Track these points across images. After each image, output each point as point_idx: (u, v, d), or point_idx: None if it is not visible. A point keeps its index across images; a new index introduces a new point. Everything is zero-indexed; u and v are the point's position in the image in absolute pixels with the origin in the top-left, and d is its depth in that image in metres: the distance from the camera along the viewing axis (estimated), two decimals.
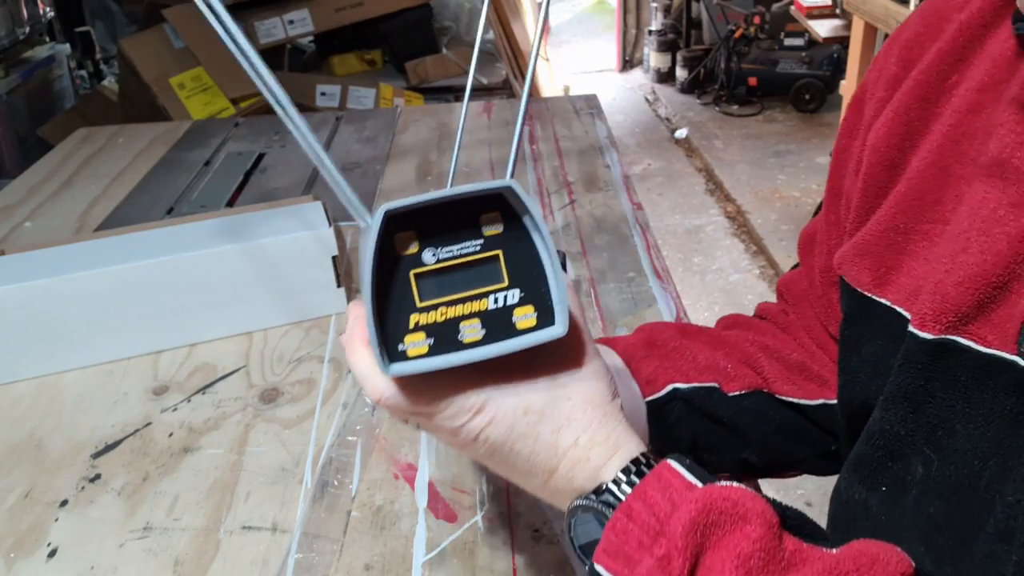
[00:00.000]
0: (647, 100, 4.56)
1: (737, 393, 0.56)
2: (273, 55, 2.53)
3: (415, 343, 0.39)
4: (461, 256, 0.39)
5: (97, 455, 0.69)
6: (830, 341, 0.57)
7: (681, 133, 3.99)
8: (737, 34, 4.03)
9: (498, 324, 0.40)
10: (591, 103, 1.50)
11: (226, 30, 0.40)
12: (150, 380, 0.78)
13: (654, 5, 4.64)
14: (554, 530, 0.59)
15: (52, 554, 0.59)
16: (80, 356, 0.80)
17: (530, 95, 0.43)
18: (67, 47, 2.98)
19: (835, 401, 0.52)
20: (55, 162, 1.34)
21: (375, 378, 0.40)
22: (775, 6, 3.98)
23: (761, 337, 0.59)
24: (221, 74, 2.15)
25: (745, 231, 3.08)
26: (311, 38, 2.68)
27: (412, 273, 0.39)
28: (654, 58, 4.64)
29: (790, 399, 0.56)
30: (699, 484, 0.37)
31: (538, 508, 0.61)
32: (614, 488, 0.39)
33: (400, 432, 0.70)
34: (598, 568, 0.37)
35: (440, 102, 2.43)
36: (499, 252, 0.40)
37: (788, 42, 3.99)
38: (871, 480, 0.43)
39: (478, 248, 0.40)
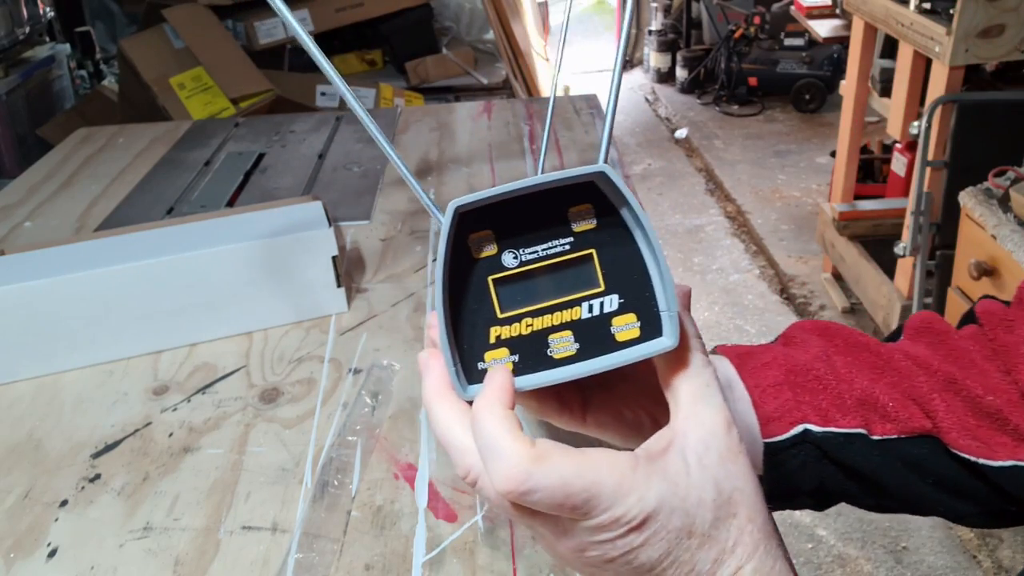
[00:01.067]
0: (647, 100, 4.56)
1: (891, 437, 0.43)
2: (273, 55, 2.53)
3: (497, 360, 0.34)
4: (548, 257, 0.34)
5: (97, 455, 0.69)
6: None
7: (681, 133, 3.99)
8: (737, 34, 4.03)
9: (594, 336, 0.34)
10: (591, 103, 1.49)
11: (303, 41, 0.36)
12: (150, 380, 0.78)
13: (654, 5, 4.64)
14: None
15: (52, 554, 0.59)
16: (80, 356, 0.80)
17: (616, 80, 0.36)
18: (67, 47, 2.98)
19: None
20: (55, 162, 1.34)
21: (517, 459, 0.29)
22: (775, 6, 3.98)
23: (951, 363, 0.45)
24: (221, 74, 2.15)
25: (745, 231, 3.08)
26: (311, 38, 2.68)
27: (490, 279, 0.34)
28: (654, 58, 4.64)
29: (967, 456, 0.43)
30: None
31: None
32: None
33: (400, 432, 0.70)
34: None
35: (440, 102, 2.43)
36: (592, 251, 0.34)
37: (788, 42, 3.99)
38: None
39: (567, 247, 0.34)
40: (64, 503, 0.64)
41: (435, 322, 0.34)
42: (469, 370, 0.34)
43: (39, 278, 0.76)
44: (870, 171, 2.67)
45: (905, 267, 2.07)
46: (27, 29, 2.74)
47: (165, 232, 0.85)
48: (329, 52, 2.67)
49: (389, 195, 1.16)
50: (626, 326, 0.34)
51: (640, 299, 0.34)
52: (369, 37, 2.67)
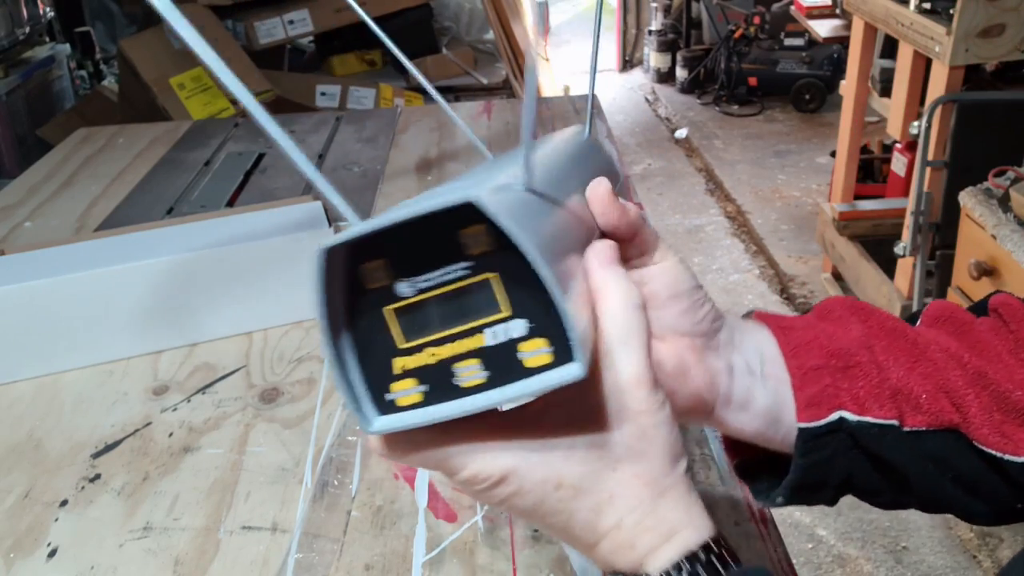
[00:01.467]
0: (647, 100, 4.56)
1: (920, 430, 0.43)
2: (273, 55, 2.53)
3: (405, 391, 0.33)
4: (445, 283, 0.32)
5: (97, 455, 0.69)
6: None
7: (681, 133, 3.99)
8: (737, 34, 4.03)
9: (503, 363, 0.32)
10: (591, 103, 1.49)
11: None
12: (150, 380, 0.78)
13: (654, 5, 4.64)
14: None
15: (52, 554, 0.59)
16: (80, 356, 0.80)
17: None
18: (67, 47, 2.98)
19: None
20: (55, 162, 1.34)
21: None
22: (775, 6, 3.98)
23: (979, 355, 0.45)
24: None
25: (745, 231, 3.08)
26: (311, 38, 2.69)
27: (386, 309, 0.32)
28: (654, 58, 4.64)
29: (991, 451, 0.42)
30: None
31: None
32: None
33: None
34: None
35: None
36: (492, 275, 0.31)
37: (788, 42, 3.99)
38: None
39: (466, 271, 0.32)
40: (64, 503, 0.64)
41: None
42: (378, 401, 0.33)
43: (39, 278, 0.76)
44: (870, 171, 2.67)
45: (905, 267, 2.07)
46: (27, 29, 2.74)
47: (165, 232, 0.85)
48: (328, 52, 2.67)
49: (389, 195, 1.16)
50: (536, 351, 0.32)
51: (550, 322, 0.31)
52: (369, 37, 2.68)
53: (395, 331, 0.32)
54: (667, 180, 3.56)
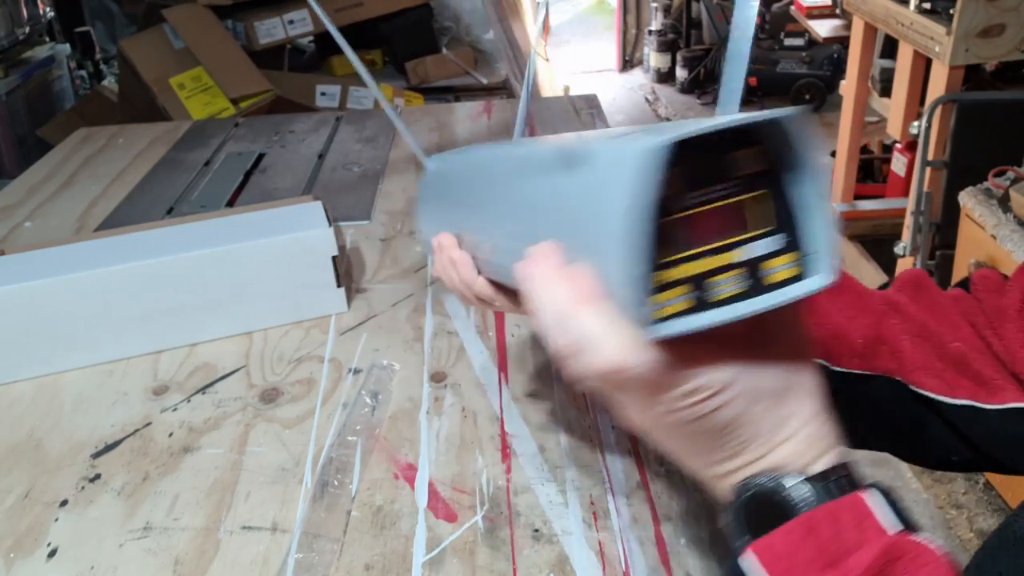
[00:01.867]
0: (647, 100, 4.56)
1: (856, 372, 0.50)
2: (273, 55, 2.53)
3: (671, 300, 0.34)
4: (715, 200, 0.34)
5: (97, 455, 0.69)
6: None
7: None
8: None
9: (758, 275, 0.35)
10: (591, 103, 1.50)
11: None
12: (150, 380, 0.78)
13: (654, 5, 4.64)
14: (553, 530, 0.59)
15: (52, 554, 0.59)
16: (80, 356, 0.80)
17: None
18: (67, 47, 2.98)
19: (989, 406, 0.47)
20: (55, 162, 1.34)
21: (612, 344, 0.34)
22: (775, 6, 3.98)
23: (926, 311, 0.51)
24: (221, 74, 2.15)
25: None
26: (311, 38, 2.69)
27: (662, 220, 0.33)
28: (654, 58, 4.64)
29: (927, 393, 0.49)
30: (893, 527, 0.35)
31: (538, 508, 0.61)
32: (816, 483, 0.36)
33: (400, 432, 0.70)
34: (749, 559, 0.36)
35: (440, 102, 2.43)
36: (759, 193, 0.34)
37: (788, 42, 3.99)
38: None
39: (736, 189, 0.34)
40: (64, 503, 0.64)
41: (447, 242, 0.38)
42: (645, 310, 0.34)
43: (39, 278, 0.76)
44: (870, 171, 2.67)
45: (905, 267, 2.07)
46: (27, 29, 2.74)
47: (165, 232, 0.85)
48: (329, 52, 2.67)
49: (389, 195, 1.16)
50: (786, 265, 0.35)
51: (801, 239, 0.35)
52: (369, 37, 2.67)
53: (666, 243, 0.34)
54: None
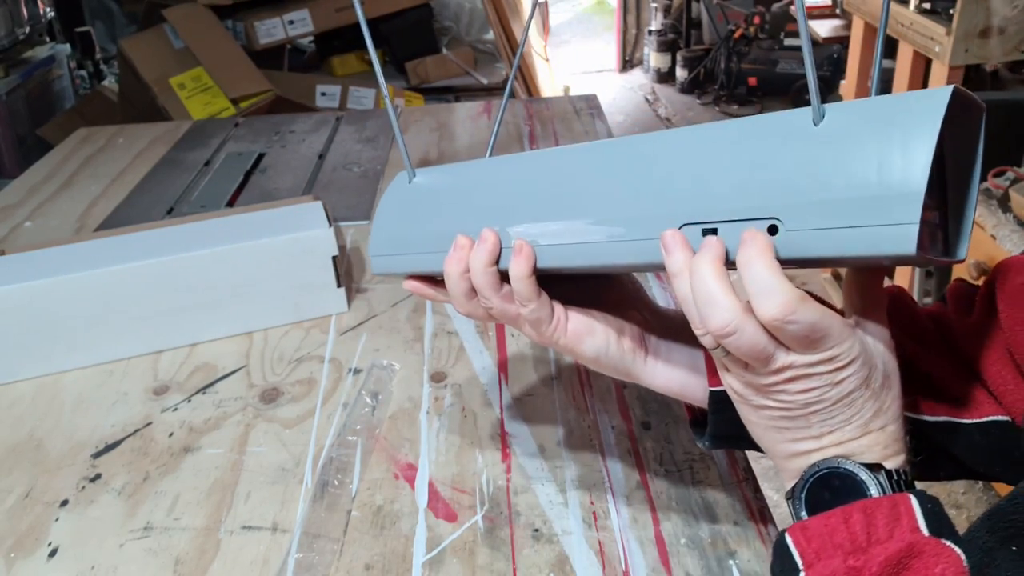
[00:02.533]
0: (647, 100, 4.56)
1: None
2: (273, 55, 2.53)
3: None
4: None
5: (97, 455, 0.69)
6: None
7: None
8: (737, 34, 4.03)
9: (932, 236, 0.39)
10: (591, 103, 1.50)
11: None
12: (150, 380, 0.78)
13: (654, 5, 4.64)
14: (553, 529, 0.59)
15: (52, 554, 0.59)
16: (80, 356, 0.80)
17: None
18: (67, 47, 2.98)
19: (968, 420, 0.50)
20: (55, 162, 1.34)
21: (789, 296, 0.37)
22: (775, 6, 3.98)
23: (903, 331, 0.52)
24: (221, 74, 2.15)
25: None
26: (311, 38, 2.69)
27: None
28: (654, 58, 4.64)
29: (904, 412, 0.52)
30: (925, 531, 0.37)
31: (538, 508, 0.61)
32: (884, 476, 0.40)
33: (400, 432, 0.70)
34: (790, 539, 0.39)
35: (440, 102, 2.43)
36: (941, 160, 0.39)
37: (788, 42, 3.99)
38: (1003, 535, 0.40)
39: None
40: (65, 503, 0.64)
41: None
42: None
43: (39, 278, 0.76)
44: None
45: (904, 267, 2.07)
46: (27, 29, 2.74)
47: (165, 232, 0.85)
48: (329, 52, 2.67)
49: None
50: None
51: (953, 211, 0.40)
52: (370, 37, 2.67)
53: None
54: None
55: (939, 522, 0.37)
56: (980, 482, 1.81)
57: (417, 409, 0.72)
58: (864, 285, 0.42)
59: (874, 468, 0.40)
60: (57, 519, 0.63)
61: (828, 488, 0.41)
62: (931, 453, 0.50)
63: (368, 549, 0.58)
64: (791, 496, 0.42)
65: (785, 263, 0.38)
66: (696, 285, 0.39)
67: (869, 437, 0.41)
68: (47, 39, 2.96)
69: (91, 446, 0.70)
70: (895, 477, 0.40)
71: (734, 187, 0.39)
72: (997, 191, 1.59)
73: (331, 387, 0.76)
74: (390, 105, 0.53)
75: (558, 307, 0.49)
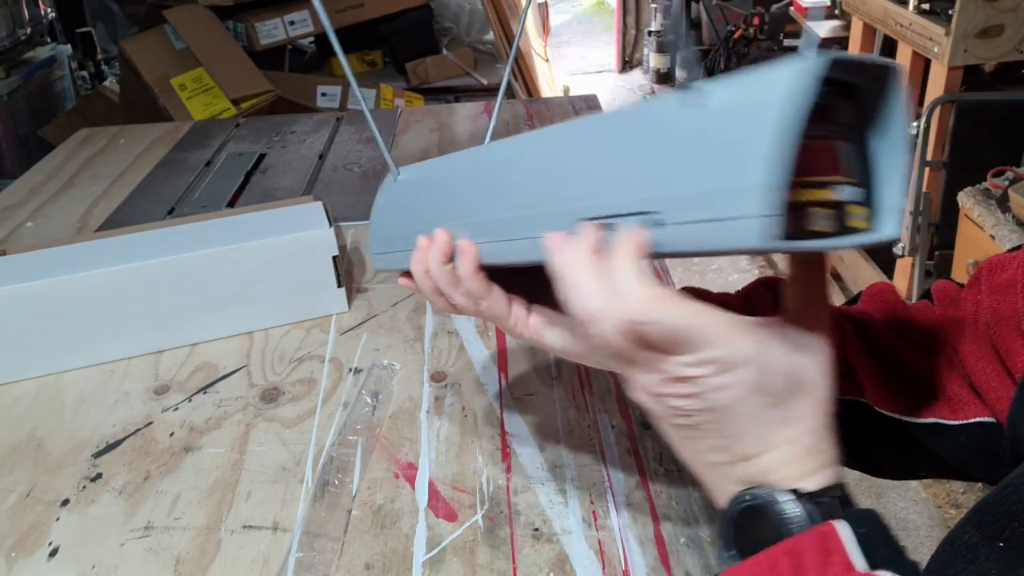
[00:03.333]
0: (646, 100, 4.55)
1: None
2: (273, 56, 2.53)
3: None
4: (820, 137, 0.36)
5: (98, 454, 0.69)
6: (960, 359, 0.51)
7: None
8: (736, 35, 4.03)
9: (840, 218, 0.36)
10: (591, 103, 1.50)
11: None
12: (151, 380, 0.79)
13: (653, 6, 4.64)
14: (553, 529, 0.59)
15: (53, 553, 0.60)
16: (81, 356, 0.80)
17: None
18: (68, 48, 2.98)
19: (954, 422, 0.48)
20: (56, 163, 1.34)
21: (643, 295, 0.36)
22: (774, 7, 3.98)
23: (893, 330, 0.52)
24: (222, 75, 2.15)
25: None
26: (312, 39, 2.69)
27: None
28: (653, 59, 4.64)
29: (891, 415, 0.50)
30: (862, 564, 0.34)
31: (538, 507, 0.61)
32: (805, 502, 0.37)
33: (400, 431, 0.70)
34: None
35: (440, 103, 2.44)
36: (850, 145, 0.37)
37: (787, 43, 3.99)
38: (990, 530, 0.37)
39: (835, 132, 0.36)
40: (65, 502, 0.64)
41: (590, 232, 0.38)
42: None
43: (41, 278, 0.77)
44: None
45: (904, 267, 2.07)
46: (28, 30, 2.74)
47: (166, 232, 0.85)
48: (329, 53, 2.68)
49: None
50: (860, 216, 0.37)
51: (877, 191, 0.37)
52: (369, 38, 2.68)
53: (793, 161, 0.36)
54: None
55: (876, 546, 0.35)
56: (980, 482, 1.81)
57: (417, 409, 0.72)
58: (799, 282, 0.40)
59: (797, 494, 0.37)
60: (58, 518, 0.63)
61: (754, 524, 0.38)
62: (912, 453, 0.50)
63: (368, 548, 0.59)
64: (718, 530, 0.40)
65: (675, 255, 0.37)
66: (563, 272, 0.39)
67: (780, 452, 0.38)
68: (48, 40, 2.96)
69: (92, 446, 0.70)
70: (824, 497, 0.37)
71: (620, 181, 0.39)
72: (996, 191, 1.59)
73: (331, 387, 0.76)
74: (356, 90, 0.53)
75: (517, 301, 0.49)
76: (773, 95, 0.32)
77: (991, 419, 0.47)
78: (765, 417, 0.37)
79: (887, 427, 0.50)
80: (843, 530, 0.35)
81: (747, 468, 0.38)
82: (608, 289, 0.37)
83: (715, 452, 0.39)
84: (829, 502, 0.37)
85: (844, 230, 0.36)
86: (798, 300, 0.39)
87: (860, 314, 0.53)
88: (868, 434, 0.51)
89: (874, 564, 0.34)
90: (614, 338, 0.37)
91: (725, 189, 0.33)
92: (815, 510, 0.36)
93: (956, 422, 0.48)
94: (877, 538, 0.35)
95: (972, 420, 0.48)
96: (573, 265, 0.38)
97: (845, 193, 0.36)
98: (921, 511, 1.78)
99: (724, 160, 0.34)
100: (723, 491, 0.40)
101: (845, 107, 0.37)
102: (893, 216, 0.37)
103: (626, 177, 0.38)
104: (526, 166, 0.46)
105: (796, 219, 0.34)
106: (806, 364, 0.38)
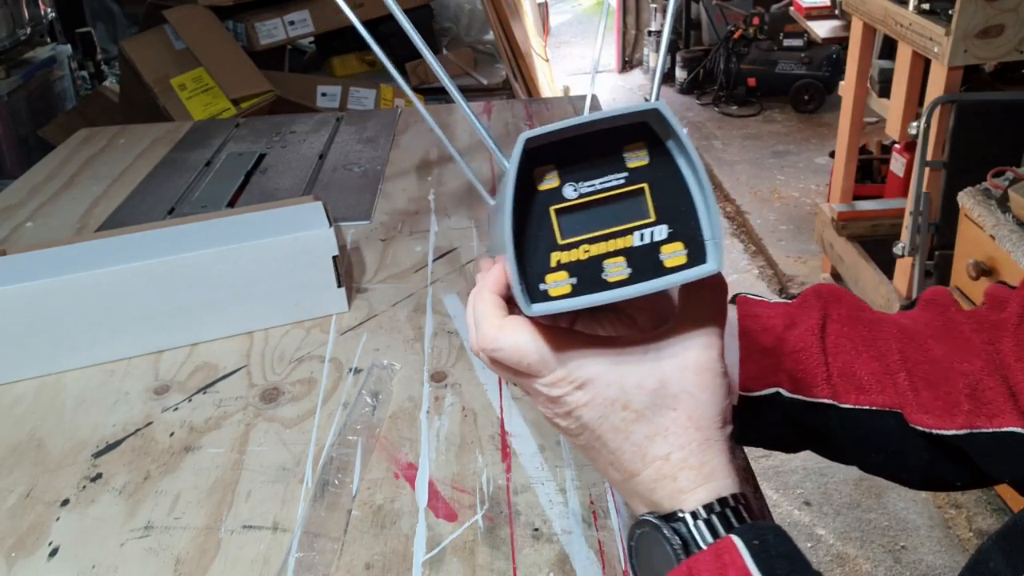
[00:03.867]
0: (646, 100, 4.55)
1: (862, 408, 0.49)
2: (273, 56, 2.53)
3: (557, 283, 0.37)
4: (604, 190, 0.37)
5: (98, 454, 0.69)
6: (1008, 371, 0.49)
7: None
8: (736, 35, 4.03)
9: (645, 262, 0.37)
10: (591, 104, 1.50)
11: None
12: (151, 380, 0.79)
13: (653, 6, 4.64)
14: (553, 529, 0.59)
15: (53, 553, 0.60)
16: (81, 356, 0.80)
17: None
18: (68, 48, 2.98)
19: (986, 430, 0.47)
20: (56, 163, 1.34)
21: (490, 327, 0.39)
22: (774, 7, 3.99)
23: (939, 335, 0.51)
24: (222, 75, 2.15)
25: (744, 231, 3.08)
26: (312, 39, 2.69)
27: (552, 209, 0.37)
28: (653, 59, 4.64)
29: (923, 429, 0.48)
30: None
31: (538, 507, 0.61)
32: (690, 521, 0.37)
33: (400, 432, 0.70)
34: None
35: (440, 103, 2.43)
36: (645, 185, 0.37)
37: (787, 43, 3.99)
38: (1020, 559, 0.36)
39: (622, 181, 0.37)
40: (65, 502, 0.64)
41: (485, 265, 0.41)
42: (532, 290, 0.37)
43: (41, 278, 0.77)
44: (869, 171, 2.68)
45: (904, 267, 2.07)
46: (28, 30, 2.75)
47: (166, 232, 0.85)
48: (329, 53, 2.67)
49: (389, 195, 1.16)
50: (674, 253, 0.37)
51: (687, 229, 0.38)
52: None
53: (556, 229, 0.38)
54: None
55: (771, 558, 0.34)
56: None
57: (417, 409, 0.72)
58: (683, 299, 0.41)
59: (682, 515, 0.37)
60: (58, 518, 0.63)
61: (651, 553, 0.38)
62: (945, 463, 0.48)
63: (368, 548, 0.59)
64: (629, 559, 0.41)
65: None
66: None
67: (657, 467, 0.38)
68: (48, 40, 2.96)
69: (92, 445, 0.70)
70: (715, 511, 0.37)
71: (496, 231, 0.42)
72: (996, 191, 1.59)
73: (331, 387, 0.76)
74: (462, 96, 0.56)
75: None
76: (505, 185, 0.37)
77: (1023, 430, 0.46)
78: (634, 432, 0.38)
79: (921, 441, 0.49)
80: (738, 544, 0.35)
81: (635, 486, 0.39)
82: (473, 321, 0.41)
83: (611, 469, 0.40)
84: (722, 514, 0.37)
85: (659, 271, 0.37)
86: (680, 316, 0.40)
87: (912, 323, 0.52)
88: (901, 449, 0.49)
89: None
90: (488, 365, 0.41)
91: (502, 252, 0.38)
92: (702, 528, 0.37)
93: (989, 430, 0.47)
94: (772, 550, 0.35)
95: (1005, 429, 0.47)
96: (472, 297, 0.42)
97: (651, 236, 0.37)
98: (921, 511, 1.78)
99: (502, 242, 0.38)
100: (636, 509, 0.40)
101: (639, 146, 0.38)
102: (712, 249, 0.37)
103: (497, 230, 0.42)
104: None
105: (588, 275, 0.37)
106: (674, 379, 0.38)
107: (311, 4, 2.44)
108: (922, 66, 1.96)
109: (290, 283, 0.84)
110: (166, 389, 0.77)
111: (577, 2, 6.61)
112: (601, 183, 0.37)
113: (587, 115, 0.36)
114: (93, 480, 0.67)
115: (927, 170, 1.89)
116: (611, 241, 0.37)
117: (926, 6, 1.85)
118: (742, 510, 0.37)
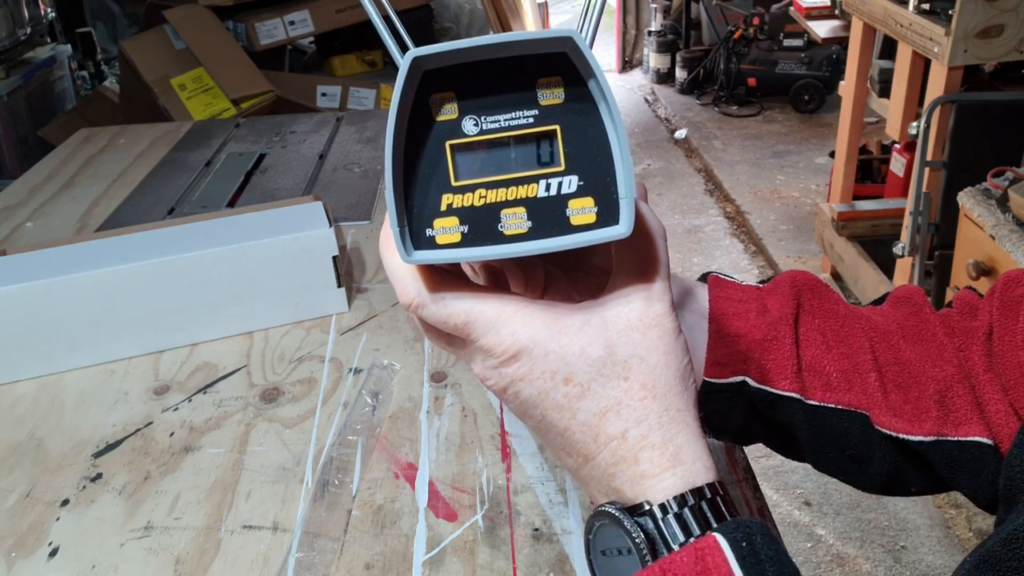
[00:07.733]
0: (647, 100, 4.56)
1: (828, 406, 0.46)
2: (274, 56, 2.53)
3: (446, 229, 0.33)
4: (510, 128, 0.32)
5: (98, 454, 0.69)
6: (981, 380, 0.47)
7: (680, 133, 3.99)
8: (736, 35, 4.04)
9: (548, 216, 0.32)
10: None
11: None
12: (151, 380, 0.79)
13: (653, 6, 4.64)
14: (553, 529, 0.59)
15: (53, 553, 0.60)
16: (81, 356, 0.80)
17: None
18: (68, 48, 2.98)
19: (952, 438, 0.45)
20: (56, 163, 1.34)
21: (407, 280, 0.34)
22: (774, 7, 3.99)
23: (910, 337, 0.48)
24: (222, 75, 2.15)
25: (744, 231, 3.08)
26: (312, 39, 2.69)
27: (448, 144, 0.32)
28: (653, 59, 4.64)
29: (889, 432, 0.45)
30: None
31: (538, 507, 0.61)
32: (658, 515, 0.32)
33: (400, 431, 0.70)
34: None
35: None
36: (556, 127, 0.32)
37: (787, 43, 3.99)
38: None
39: (531, 120, 0.32)
40: (65, 502, 0.64)
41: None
42: (417, 235, 0.33)
43: (41, 278, 0.77)
44: (869, 171, 2.68)
45: (904, 267, 2.08)
46: (28, 30, 2.75)
47: (166, 232, 0.85)
48: (329, 53, 2.67)
49: None
50: (582, 210, 0.33)
51: (600, 183, 0.33)
52: (369, 38, 2.67)
53: (451, 167, 0.32)
54: (666, 180, 3.56)
55: (760, 562, 0.30)
56: None
57: (417, 409, 0.72)
58: (619, 246, 0.35)
59: (660, 507, 0.32)
60: (58, 518, 0.63)
61: (613, 548, 0.33)
62: (907, 468, 0.47)
63: (368, 548, 0.59)
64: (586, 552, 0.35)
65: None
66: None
67: (612, 448, 0.33)
68: (48, 40, 2.96)
69: (92, 446, 0.70)
70: (686, 504, 0.32)
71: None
72: (996, 191, 1.59)
73: (331, 387, 0.76)
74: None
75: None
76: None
77: (988, 441, 0.45)
78: (581, 410, 0.33)
79: (886, 443, 0.47)
80: (722, 544, 0.30)
81: (592, 471, 0.34)
82: (394, 279, 0.36)
83: (565, 455, 0.35)
84: (691, 512, 0.32)
85: (564, 228, 0.32)
86: (616, 270, 0.35)
87: (882, 320, 0.50)
88: (864, 449, 0.47)
89: None
90: (417, 325, 0.36)
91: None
92: (672, 525, 0.31)
93: (955, 438, 0.45)
94: (760, 551, 0.30)
95: (970, 438, 0.45)
96: (384, 259, 0.37)
97: (559, 187, 0.32)
98: (921, 511, 1.78)
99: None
100: (596, 500, 0.35)
101: (551, 82, 0.32)
102: (625, 208, 0.32)
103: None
104: None
105: (482, 224, 0.32)
106: (621, 343, 0.33)
107: (311, 4, 2.44)
108: (922, 66, 1.96)
109: (290, 283, 0.84)
110: (166, 389, 0.77)
111: (577, 2, 6.61)
112: (507, 119, 0.32)
113: (493, 36, 0.31)
114: (93, 480, 0.67)
115: (927, 170, 1.90)
116: (512, 188, 0.32)
117: (926, 6, 1.85)
118: (719, 503, 0.32)
